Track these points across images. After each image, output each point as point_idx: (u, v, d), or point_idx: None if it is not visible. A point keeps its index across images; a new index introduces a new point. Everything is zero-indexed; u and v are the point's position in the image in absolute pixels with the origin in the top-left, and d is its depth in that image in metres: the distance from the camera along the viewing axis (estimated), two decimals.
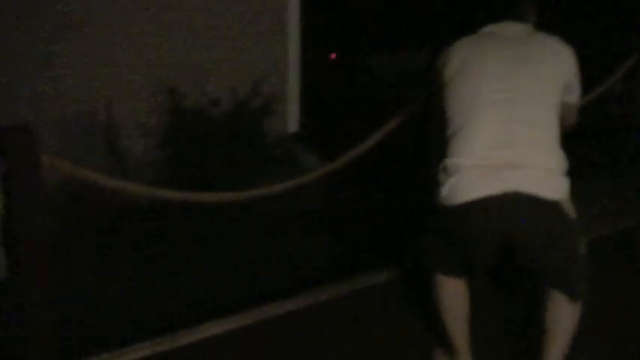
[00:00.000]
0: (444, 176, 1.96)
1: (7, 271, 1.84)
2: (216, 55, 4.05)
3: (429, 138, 2.27)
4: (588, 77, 2.35)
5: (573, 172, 2.03)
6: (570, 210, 2.05)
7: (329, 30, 6.01)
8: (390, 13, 6.30)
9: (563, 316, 2.04)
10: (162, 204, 2.92)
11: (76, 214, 3.23)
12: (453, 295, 2.14)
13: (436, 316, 2.21)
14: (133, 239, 3.19)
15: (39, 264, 1.79)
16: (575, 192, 2.05)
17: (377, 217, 3.59)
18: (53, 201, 2.95)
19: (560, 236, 1.98)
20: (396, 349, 2.38)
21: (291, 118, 4.57)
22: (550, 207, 1.91)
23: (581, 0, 5.94)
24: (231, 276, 2.97)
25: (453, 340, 2.18)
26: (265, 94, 4.21)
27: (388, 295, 2.72)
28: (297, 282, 2.82)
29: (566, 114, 2.11)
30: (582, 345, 2.18)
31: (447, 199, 1.94)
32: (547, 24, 2.25)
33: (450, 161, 1.95)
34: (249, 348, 2.36)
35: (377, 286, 2.78)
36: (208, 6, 3.99)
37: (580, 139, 3.17)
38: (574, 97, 2.14)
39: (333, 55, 6.29)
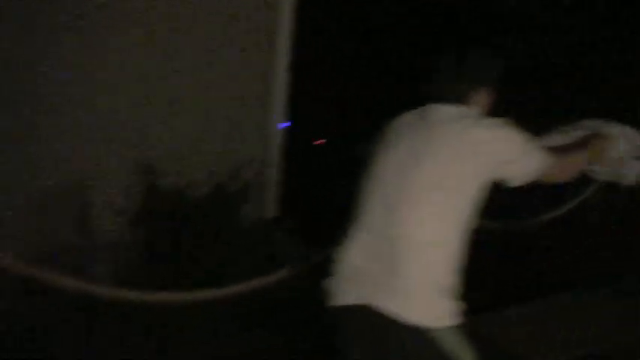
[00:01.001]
0: (332, 267, 1.90)
1: None
2: (195, 136, 4.05)
3: None
4: None
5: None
6: (450, 342, 1.73)
7: (316, 115, 6.06)
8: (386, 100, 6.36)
9: None
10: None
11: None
12: None
13: None
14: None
15: None
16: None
17: None
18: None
19: None
20: None
21: (271, 203, 4.54)
22: (414, 333, 1.69)
23: None
24: None
25: None
26: (244, 177, 4.19)
27: None
28: None
29: (545, 176, 1.91)
30: None
31: (328, 295, 1.88)
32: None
33: (337, 255, 1.89)
34: None
35: None
36: (189, 87, 4.02)
37: None
38: (522, 166, 1.85)
39: (320, 141, 6.33)
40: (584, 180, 4.18)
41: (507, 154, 1.81)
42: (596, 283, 3.84)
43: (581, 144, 2.18)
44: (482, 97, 1.93)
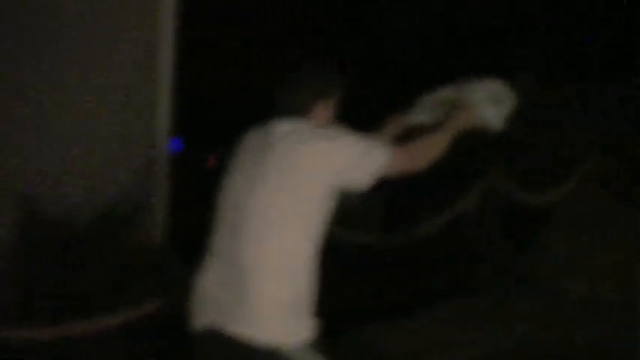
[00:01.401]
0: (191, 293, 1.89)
1: None
2: (73, 159, 3.91)
3: None
4: None
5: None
6: None
7: (207, 132, 6.04)
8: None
9: None
10: None
11: None
12: None
13: None
14: None
15: None
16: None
17: None
18: None
19: None
20: None
21: (159, 227, 4.45)
22: (266, 356, 1.69)
23: None
24: None
25: None
26: (130, 201, 4.09)
27: None
28: None
29: (388, 174, 1.88)
30: None
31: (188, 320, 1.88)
32: None
33: (194, 280, 1.88)
34: None
35: None
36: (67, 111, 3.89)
37: None
38: (364, 169, 1.83)
39: (212, 160, 6.29)
40: (461, 189, 4.45)
41: (345, 162, 1.80)
42: (473, 291, 4.04)
43: (441, 124, 2.09)
44: (323, 110, 1.91)
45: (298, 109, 1.89)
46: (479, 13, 7.50)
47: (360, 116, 2.31)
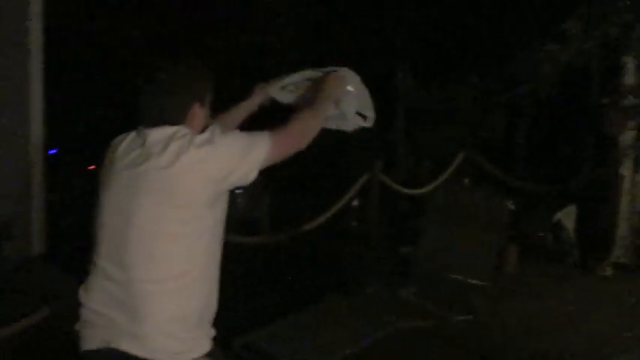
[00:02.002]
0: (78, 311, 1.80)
1: None
2: None
3: None
4: None
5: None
6: None
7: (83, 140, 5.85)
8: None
9: None
10: None
11: None
12: None
13: None
14: None
15: None
16: None
17: None
18: None
19: None
20: None
21: (36, 239, 4.27)
22: None
23: None
24: None
25: None
26: (5, 212, 3.90)
27: None
28: None
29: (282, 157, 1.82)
30: None
31: (77, 339, 1.79)
32: None
33: (79, 298, 1.78)
34: None
35: None
36: None
37: None
38: (248, 165, 1.77)
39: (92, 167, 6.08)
40: (344, 185, 4.59)
41: (230, 164, 1.73)
42: (348, 289, 4.12)
43: (314, 97, 2.03)
44: (199, 112, 1.81)
45: (173, 114, 1.76)
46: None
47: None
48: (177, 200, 1.69)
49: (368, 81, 2.11)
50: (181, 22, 7.80)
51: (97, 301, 1.73)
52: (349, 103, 2.09)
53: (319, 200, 4.38)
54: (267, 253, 4.22)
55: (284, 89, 2.16)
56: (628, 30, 5.45)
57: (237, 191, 4.76)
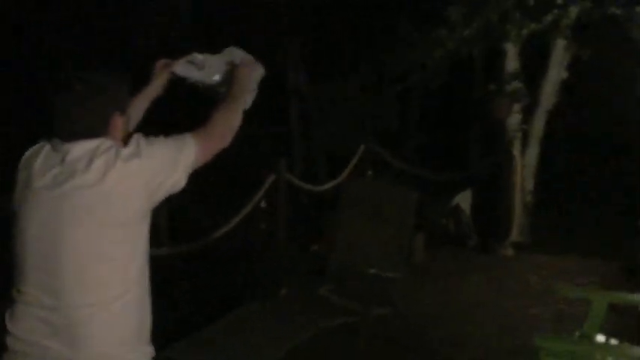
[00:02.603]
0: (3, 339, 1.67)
1: None
2: None
3: None
4: None
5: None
6: None
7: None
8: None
9: None
10: None
11: None
12: None
13: None
14: None
15: None
16: None
17: None
18: None
19: None
20: None
21: None
22: None
23: None
24: None
25: None
26: None
27: None
28: None
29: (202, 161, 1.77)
30: None
31: None
32: None
33: (5, 326, 1.66)
34: None
35: None
36: None
37: None
38: (178, 172, 1.71)
39: None
40: (250, 187, 4.49)
41: (161, 173, 1.68)
42: (264, 293, 4.08)
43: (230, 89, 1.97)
44: (119, 121, 1.72)
45: (93, 126, 1.66)
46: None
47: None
48: (108, 219, 1.59)
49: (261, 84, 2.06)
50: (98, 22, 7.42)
51: (27, 329, 1.61)
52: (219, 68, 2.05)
53: (221, 207, 4.31)
54: (179, 263, 4.08)
55: (191, 64, 2.07)
56: (508, 16, 5.71)
57: None
